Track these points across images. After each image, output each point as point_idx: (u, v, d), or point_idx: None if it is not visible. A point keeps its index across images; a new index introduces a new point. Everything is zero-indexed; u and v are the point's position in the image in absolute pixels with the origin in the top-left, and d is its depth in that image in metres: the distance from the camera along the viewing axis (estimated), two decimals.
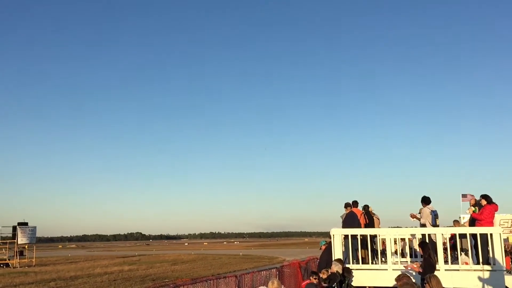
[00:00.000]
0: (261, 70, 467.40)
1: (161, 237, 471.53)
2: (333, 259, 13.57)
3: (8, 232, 65.67)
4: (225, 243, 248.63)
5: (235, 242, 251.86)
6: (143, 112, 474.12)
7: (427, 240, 13.45)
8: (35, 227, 66.06)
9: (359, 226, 14.99)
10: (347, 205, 15.96)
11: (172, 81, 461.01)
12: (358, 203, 15.84)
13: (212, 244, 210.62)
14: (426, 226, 14.55)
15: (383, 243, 15.57)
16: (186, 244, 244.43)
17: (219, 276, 13.00)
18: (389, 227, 16.82)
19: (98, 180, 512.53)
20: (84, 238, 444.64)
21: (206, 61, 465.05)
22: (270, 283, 8.52)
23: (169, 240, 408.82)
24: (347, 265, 13.59)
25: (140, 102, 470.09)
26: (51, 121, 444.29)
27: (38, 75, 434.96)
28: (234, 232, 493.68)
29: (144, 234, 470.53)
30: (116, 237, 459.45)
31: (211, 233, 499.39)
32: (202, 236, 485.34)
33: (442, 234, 14.10)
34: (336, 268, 12.36)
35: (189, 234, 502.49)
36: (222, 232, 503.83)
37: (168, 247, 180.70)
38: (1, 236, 66.24)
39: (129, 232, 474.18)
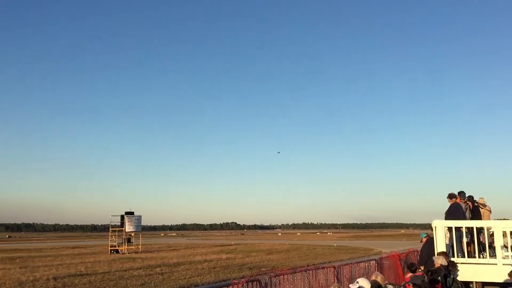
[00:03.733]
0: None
1: (255, 227, 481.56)
2: (435, 252, 13.04)
3: (117, 221, 71.04)
4: (318, 233, 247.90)
5: (328, 233, 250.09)
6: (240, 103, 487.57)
7: None
8: (140, 216, 70.72)
9: (464, 217, 14.23)
10: (451, 196, 15.17)
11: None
12: (464, 193, 15.02)
13: (305, 235, 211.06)
14: None
15: (491, 236, 14.64)
16: (280, 234, 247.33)
17: (317, 267, 13.07)
18: (495, 219, 15.81)
19: (196, 173, 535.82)
20: (183, 227, 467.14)
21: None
22: (374, 276, 8.37)
23: (262, 230, 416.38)
24: (451, 259, 12.99)
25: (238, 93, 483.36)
26: (155, 117, 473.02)
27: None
28: (327, 222, 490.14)
29: (239, 224, 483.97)
30: (212, 226, 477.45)
31: (304, 223, 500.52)
32: (295, 226, 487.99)
33: None
34: (440, 261, 11.86)
35: (282, 225, 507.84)
36: (315, 222, 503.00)
37: (262, 236, 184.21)
38: (111, 225, 71.81)
39: (225, 222, 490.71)
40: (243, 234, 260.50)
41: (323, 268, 12.83)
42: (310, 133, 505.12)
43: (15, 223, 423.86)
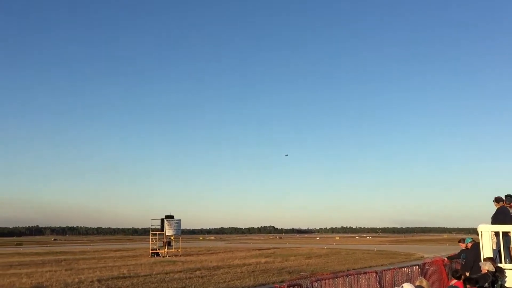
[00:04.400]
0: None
1: (292, 231, 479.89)
2: (482, 258, 12.67)
3: (157, 225, 72.26)
4: (357, 238, 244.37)
5: (368, 237, 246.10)
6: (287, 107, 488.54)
7: None
8: (179, 220, 71.71)
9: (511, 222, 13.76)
10: (498, 200, 14.68)
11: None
12: (511, 197, 14.52)
13: (343, 239, 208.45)
14: None
15: None
16: (318, 238, 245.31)
17: (359, 272, 12.94)
18: None
19: (234, 177, 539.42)
20: (221, 231, 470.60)
21: None
22: (418, 282, 8.21)
23: (300, 234, 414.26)
24: (499, 265, 12.59)
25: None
26: (194, 121, 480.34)
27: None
28: (366, 226, 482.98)
29: (277, 228, 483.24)
30: (250, 230, 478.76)
31: (342, 227, 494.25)
32: (333, 230, 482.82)
33: None
34: (487, 267, 11.53)
35: (320, 228, 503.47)
36: (354, 226, 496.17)
37: (300, 240, 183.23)
38: (152, 228, 73.12)
39: (262, 226, 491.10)
40: (281, 238, 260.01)
41: (365, 273, 12.70)
42: (349, 137, 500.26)
43: (60, 227, 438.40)
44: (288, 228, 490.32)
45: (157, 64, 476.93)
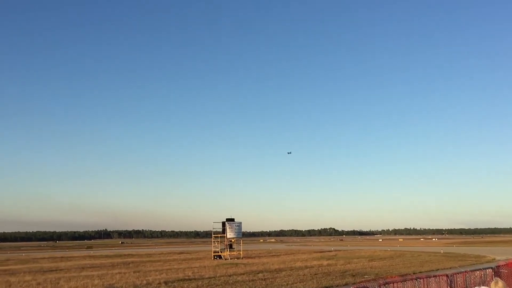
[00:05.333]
0: None
1: (353, 233, 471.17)
2: None
3: (219, 228, 73.39)
4: (422, 239, 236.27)
5: (433, 239, 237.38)
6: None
7: None
8: (240, 223, 72.45)
9: None
10: None
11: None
12: None
13: (408, 241, 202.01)
14: None
15: None
16: (380, 240, 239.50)
17: (429, 275, 12.52)
18: None
19: (294, 179, 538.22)
20: (281, 233, 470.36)
21: None
22: (493, 284, 7.81)
23: (362, 236, 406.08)
24: None
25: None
26: (254, 126, 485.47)
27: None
28: (431, 228, 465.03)
29: (337, 230, 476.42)
30: (310, 232, 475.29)
31: (406, 229, 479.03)
32: (396, 232, 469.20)
33: None
34: None
35: (383, 230, 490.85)
36: (418, 228, 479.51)
37: (362, 243, 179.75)
38: (213, 231, 74.38)
39: (323, 228, 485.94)
40: (342, 240, 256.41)
41: (434, 276, 12.25)
42: (413, 136, 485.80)
43: (126, 230, 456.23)
44: (349, 230, 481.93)
45: (220, 68, 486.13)
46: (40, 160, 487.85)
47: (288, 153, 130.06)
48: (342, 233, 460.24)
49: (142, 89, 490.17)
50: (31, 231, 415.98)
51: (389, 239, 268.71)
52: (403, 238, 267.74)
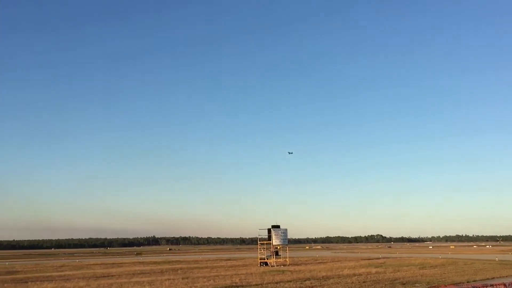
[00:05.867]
0: None
1: (402, 240, 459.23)
2: None
3: (264, 234, 73.46)
4: (474, 246, 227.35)
5: (487, 246, 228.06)
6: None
7: None
8: (286, 230, 72.23)
9: None
10: None
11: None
12: None
13: (459, 248, 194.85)
14: None
15: None
16: (431, 247, 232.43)
17: (485, 284, 12.10)
18: None
19: (339, 186, 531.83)
20: (327, 240, 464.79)
21: None
22: None
23: (411, 243, 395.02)
24: None
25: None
26: (298, 133, 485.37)
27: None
28: (484, 234, 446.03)
29: (385, 237, 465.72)
30: (357, 239, 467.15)
31: (457, 235, 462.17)
32: (447, 239, 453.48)
33: None
34: None
35: (432, 237, 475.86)
36: (470, 234, 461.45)
37: (411, 250, 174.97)
38: (259, 238, 74.52)
39: (370, 235, 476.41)
40: (390, 247, 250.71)
41: (491, 285, 11.83)
42: (461, 141, 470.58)
43: (174, 237, 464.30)
44: (397, 236, 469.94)
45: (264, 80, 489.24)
46: (93, 170, 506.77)
47: (289, 153, 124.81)
48: (390, 240, 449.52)
49: (189, 99, 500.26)
50: (83, 238, 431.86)
51: (440, 246, 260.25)
52: (454, 245, 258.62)
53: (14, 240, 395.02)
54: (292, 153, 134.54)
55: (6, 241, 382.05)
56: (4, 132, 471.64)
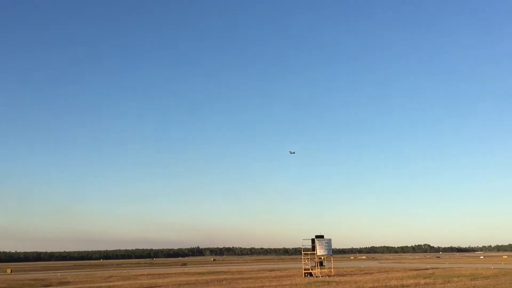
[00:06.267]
0: None
1: (451, 249, 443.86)
2: None
3: (308, 244, 72.89)
4: None
5: None
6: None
7: None
8: (330, 240, 71.38)
9: None
10: None
11: None
12: None
13: None
14: None
15: None
16: (482, 257, 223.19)
17: None
18: None
19: (382, 193, 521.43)
20: (372, 250, 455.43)
21: None
22: None
23: (460, 253, 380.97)
24: None
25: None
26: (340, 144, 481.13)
27: None
28: None
29: (433, 246, 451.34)
30: (403, 249, 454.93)
31: (510, 245, 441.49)
32: (499, 248, 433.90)
33: None
34: None
35: (484, 246, 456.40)
36: None
37: (461, 260, 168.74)
38: (303, 248, 73.96)
39: (417, 244, 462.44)
40: (438, 257, 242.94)
41: None
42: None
43: (217, 248, 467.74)
44: (446, 246, 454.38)
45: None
46: (138, 183, 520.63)
47: (291, 153, 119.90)
48: (438, 249, 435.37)
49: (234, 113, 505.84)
50: (130, 249, 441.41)
51: (492, 256, 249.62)
52: (507, 255, 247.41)
53: (64, 251, 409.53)
54: (294, 152, 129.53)
55: (57, 252, 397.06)
56: (59, 150, 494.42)
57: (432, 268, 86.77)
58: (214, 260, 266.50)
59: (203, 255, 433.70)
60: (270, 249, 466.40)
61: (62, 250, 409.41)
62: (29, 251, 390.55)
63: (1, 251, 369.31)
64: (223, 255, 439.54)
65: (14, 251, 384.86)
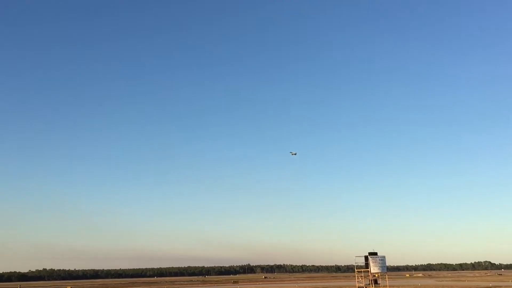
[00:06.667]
0: None
1: None
2: None
3: (361, 262, 71.81)
4: None
5: None
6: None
7: None
8: (384, 257, 69.94)
9: None
10: None
11: None
12: None
13: None
14: None
15: None
16: None
17: None
18: None
19: (438, 208, 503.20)
20: (429, 267, 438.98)
21: None
22: None
23: None
24: None
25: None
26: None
27: None
28: None
29: (494, 263, 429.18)
30: (462, 266, 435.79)
31: None
32: None
33: None
34: None
35: None
36: None
37: None
38: (356, 265, 72.91)
39: (477, 261, 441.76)
40: (500, 274, 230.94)
41: None
42: None
43: (268, 265, 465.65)
44: (509, 263, 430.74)
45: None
46: (189, 201, 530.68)
47: (293, 154, 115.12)
48: (500, 266, 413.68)
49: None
50: (183, 266, 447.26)
51: None
52: None
53: (120, 269, 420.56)
54: (295, 154, 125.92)
55: (113, 270, 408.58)
56: (107, 166, 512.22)
57: (494, 287, 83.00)
58: (265, 277, 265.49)
59: (254, 273, 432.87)
60: (322, 266, 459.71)
61: (118, 268, 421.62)
62: (87, 268, 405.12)
63: (61, 269, 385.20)
64: (274, 272, 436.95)
65: (73, 269, 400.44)
